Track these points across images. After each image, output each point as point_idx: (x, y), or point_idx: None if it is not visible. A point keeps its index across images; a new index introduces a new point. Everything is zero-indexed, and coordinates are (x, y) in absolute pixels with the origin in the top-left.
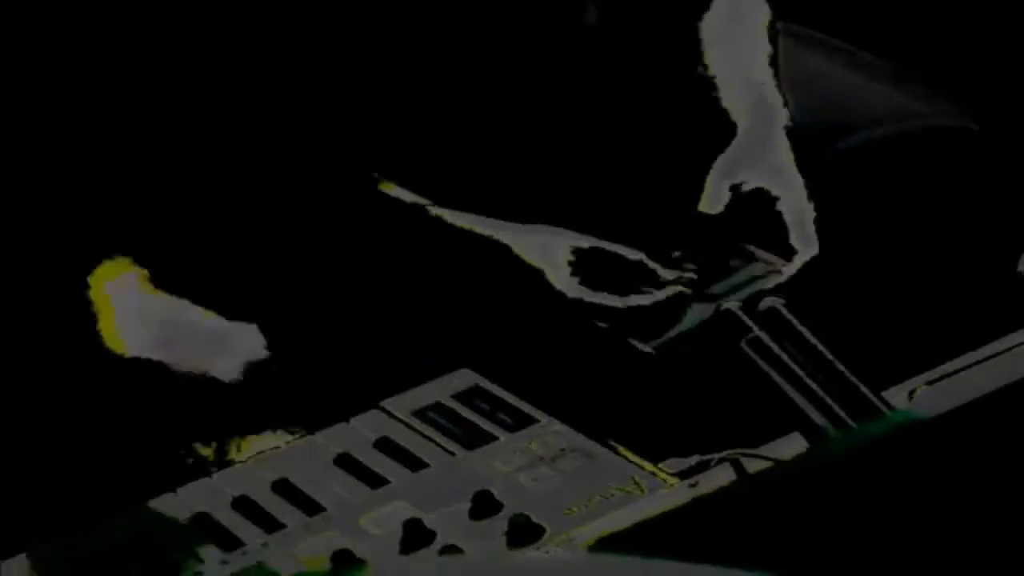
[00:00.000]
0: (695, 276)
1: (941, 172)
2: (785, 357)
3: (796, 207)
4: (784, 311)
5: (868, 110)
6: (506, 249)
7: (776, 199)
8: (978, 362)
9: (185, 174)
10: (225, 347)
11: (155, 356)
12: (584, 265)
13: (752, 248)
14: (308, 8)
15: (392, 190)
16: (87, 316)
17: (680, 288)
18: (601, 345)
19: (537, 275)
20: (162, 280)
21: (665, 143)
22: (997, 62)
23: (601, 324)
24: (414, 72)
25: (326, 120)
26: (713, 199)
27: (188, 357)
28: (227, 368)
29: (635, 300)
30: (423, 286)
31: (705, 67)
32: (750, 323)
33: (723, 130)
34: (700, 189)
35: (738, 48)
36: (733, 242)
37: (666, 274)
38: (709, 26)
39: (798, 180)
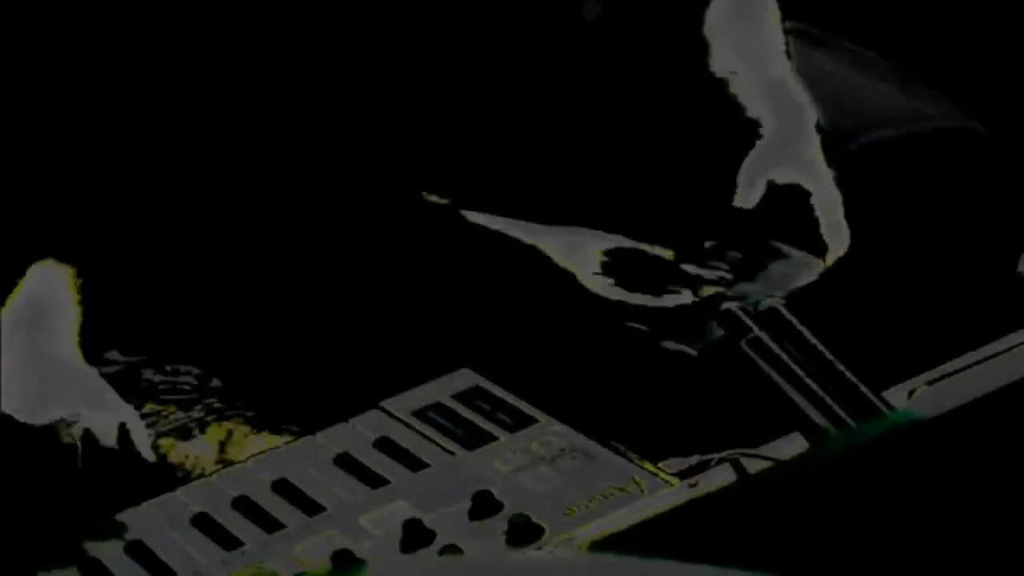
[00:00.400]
0: (728, 275)
1: (942, 173)
2: (785, 357)
3: (827, 202)
4: (784, 311)
5: (875, 111)
6: (507, 249)
7: (808, 194)
8: (978, 362)
9: (185, 174)
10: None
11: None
12: (617, 266)
13: (783, 248)
14: (309, 8)
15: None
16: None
17: (717, 289)
18: (602, 345)
19: (537, 275)
20: (162, 280)
21: (689, 140)
22: (1001, 63)
23: (636, 326)
24: (419, 70)
25: (326, 120)
26: (745, 195)
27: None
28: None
29: (670, 301)
30: (423, 286)
31: (726, 62)
32: (750, 323)
33: (747, 126)
34: (728, 185)
35: (757, 43)
36: (766, 240)
37: (701, 273)
38: (729, 20)
39: (829, 175)
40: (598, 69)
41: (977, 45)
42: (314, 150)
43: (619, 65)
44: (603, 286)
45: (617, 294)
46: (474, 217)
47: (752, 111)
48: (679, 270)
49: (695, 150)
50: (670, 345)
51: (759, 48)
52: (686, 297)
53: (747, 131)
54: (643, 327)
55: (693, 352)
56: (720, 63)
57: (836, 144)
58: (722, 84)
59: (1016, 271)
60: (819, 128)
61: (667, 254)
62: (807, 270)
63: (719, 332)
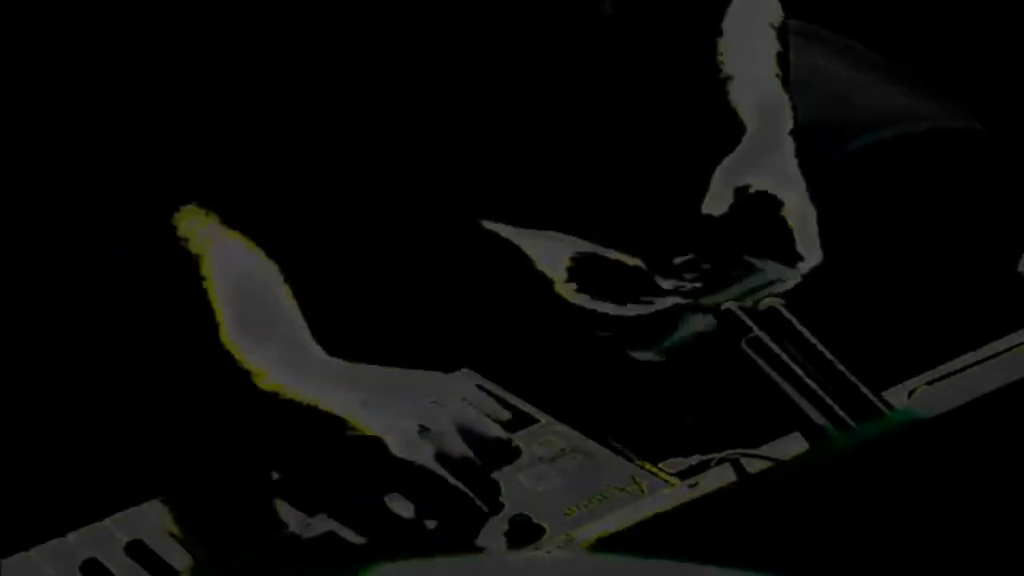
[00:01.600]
0: (696, 285)
1: (941, 173)
2: (785, 357)
3: (801, 213)
4: (784, 311)
5: (876, 111)
6: (507, 249)
7: (781, 204)
8: (978, 362)
9: (185, 173)
10: None
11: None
12: (582, 272)
13: (754, 259)
14: (308, 8)
15: (399, 190)
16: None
17: (678, 299)
18: (601, 345)
19: (537, 276)
20: (162, 279)
21: (672, 145)
22: (1001, 62)
23: (602, 334)
24: (419, 71)
25: (326, 120)
26: (716, 203)
27: None
28: None
29: (633, 310)
30: (423, 286)
31: (715, 68)
32: (750, 323)
33: (730, 132)
34: (704, 192)
35: (748, 48)
36: (735, 250)
37: (666, 283)
38: (717, 25)
39: (803, 185)
40: (583, 76)
41: (977, 45)
42: (314, 150)
43: (605, 72)
44: (568, 291)
45: (581, 300)
46: (450, 217)
47: (734, 118)
48: (648, 279)
49: (675, 156)
50: (635, 353)
51: (754, 53)
52: (652, 306)
53: (727, 138)
54: (605, 334)
55: (648, 359)
56: (708, 68)
57: (833, 143)
58: (711, 89)
59: (1016, 271)
60: (798, 135)
61: (634, 261)
62: (778, 282)
63: (679, 340)
